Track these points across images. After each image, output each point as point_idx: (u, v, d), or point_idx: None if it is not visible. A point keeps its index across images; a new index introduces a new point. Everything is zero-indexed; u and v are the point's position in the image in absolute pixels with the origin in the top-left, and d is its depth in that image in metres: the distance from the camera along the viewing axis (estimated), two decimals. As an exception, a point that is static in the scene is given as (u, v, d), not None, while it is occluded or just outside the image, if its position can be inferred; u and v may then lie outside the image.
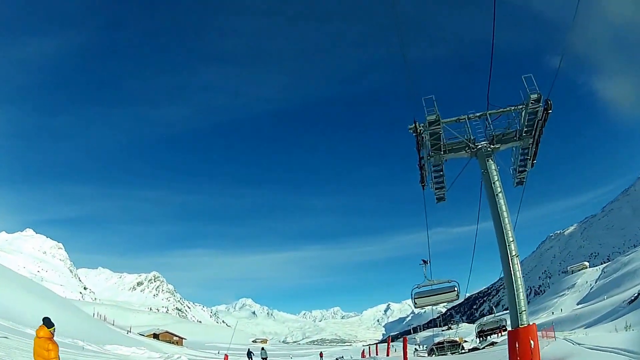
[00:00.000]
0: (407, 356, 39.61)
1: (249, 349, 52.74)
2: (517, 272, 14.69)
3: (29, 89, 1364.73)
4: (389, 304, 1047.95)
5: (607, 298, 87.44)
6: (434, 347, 56.98)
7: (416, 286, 30.74)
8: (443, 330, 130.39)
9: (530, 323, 14.22)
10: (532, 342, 13.74)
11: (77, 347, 30.37)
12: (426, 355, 55.69)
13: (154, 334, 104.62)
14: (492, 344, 52.09)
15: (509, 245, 14.75)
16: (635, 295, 52.17)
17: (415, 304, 29.10)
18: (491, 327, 50.95)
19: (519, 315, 14.39)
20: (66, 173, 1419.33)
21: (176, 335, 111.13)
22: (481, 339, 54.54)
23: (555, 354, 14.45)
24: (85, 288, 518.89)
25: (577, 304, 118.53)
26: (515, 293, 14.53)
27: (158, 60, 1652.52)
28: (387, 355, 40.48)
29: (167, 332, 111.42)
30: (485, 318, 48.99)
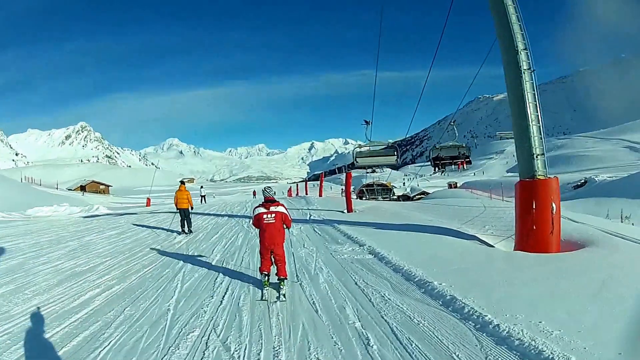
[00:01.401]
0: (323, 193, 41.17)
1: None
2: (530, 96, 10.47)
3: None
4: (313, 143, 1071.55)
5: None
6: (363, 188, 54.62)
7: (358, 145, 35.81)
8: (368, 173, 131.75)
9: (551, 177, 10.47)
10: (553, 205, 9.98)
11: None
12: (355, 197, 48.82)
13: (81, 186, 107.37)
14: (424, 193, 47.75)
15: (518, 54, 10.56)
16: (583, 181, 52.11)
17: (356, 161, 32.78)
18: (451, 154, 35.74)
19: (534, 160, 10.49)
20: None
21: (102, 184, 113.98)
22: (436, 169, 38.40)
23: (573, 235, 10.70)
24: (17, 154, 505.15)
25: (507, 172, 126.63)
26: (530, 127, 10.40)
27: None
28: (320, 195, 36.14)
29: (93, 181, 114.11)
30: (441, 142, 35.57)
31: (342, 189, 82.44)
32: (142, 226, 20.68)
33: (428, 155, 33.56)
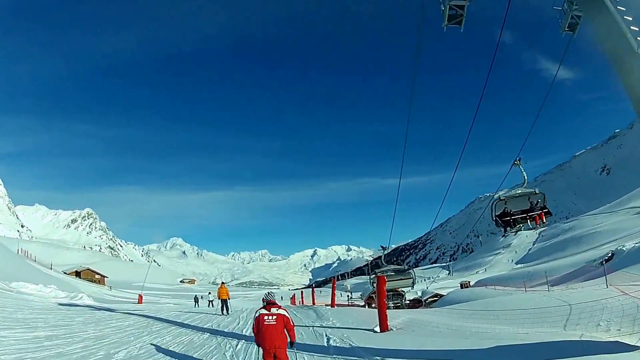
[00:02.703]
0: (335, 300, 35.64)
1: (195, 295, 54.34)
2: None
3: None
4: (316, 250, 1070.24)
5: (551, 261, 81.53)
6: (372, 295, 44.70)
7: (376, 271, 33.03)
8: (371, 278, 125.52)
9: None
10: None
11: None
12: (364, 304, 44.76)
13: (76, 271, 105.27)
14: (437, 296, 40.83)
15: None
16: (610, 254, 47.16)
17: (373, 287, 29.91)
18: (521, 207, 27.05)
19: None
20: (1, 106, 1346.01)
21: (98, 274, 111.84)
22: (507, 229, 30.18)
23: None
24: (22, 226, 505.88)
25: (516, 264, 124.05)
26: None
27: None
28: (332, 306, 30.80)
29: (89, 269, 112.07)
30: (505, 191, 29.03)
31: (348, 296, 78.93)
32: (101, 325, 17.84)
33: (491, 214, 27.46)
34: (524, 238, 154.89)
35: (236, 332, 16.78)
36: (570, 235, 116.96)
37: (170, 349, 12.64)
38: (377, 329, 15.79)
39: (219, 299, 27.55)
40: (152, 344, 13.24)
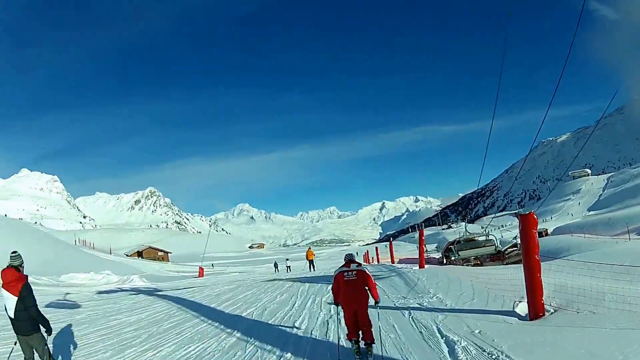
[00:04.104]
0: (395, 259, 34.66)
1: (275, 261, 54.81)
2: None
3: None
4: (384, 202, 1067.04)
5: (625, 208, 78.34)
6: (450, 246, 34.90)
7: (459, 238, 32.78)
8: (443, 229, 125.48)
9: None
10: None
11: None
12: (442, 260, 35.35)
13: (138, 251, 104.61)
14: (516, 245, 29.94)
15: None
16: None
17: (458, 254, 30.32)
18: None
19: None
20: (49, 105, 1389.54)
21: (161, 250, 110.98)
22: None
23: None
24: (84, 217, 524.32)
25: (588, 210, 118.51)
26: None
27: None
28: (422, 266, 24.35)
29: (150, 247, 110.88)
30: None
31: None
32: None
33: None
34: (593, 184, 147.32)
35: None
36: (638, 181, 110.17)
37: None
38: (522, 311, 8.82)
39: (307, 259, 39.94)
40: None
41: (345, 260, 8.02)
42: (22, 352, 6.36)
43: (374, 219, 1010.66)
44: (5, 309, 6.26)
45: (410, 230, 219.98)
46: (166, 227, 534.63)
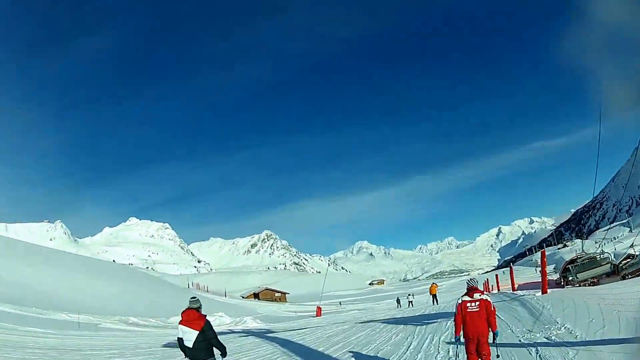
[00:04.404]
0: (515, 286, 33.46)
1: (397, 297, 55.52)
2: None
3: (98, 83, 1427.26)
4: (500, 227, 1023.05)
5: None
6: (568, 266, 34.61)
7: (576, 255, 32.28)
8: (559, 249, 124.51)
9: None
10: None
11: (130, 324, 29.56)
12: (559, 279, 35.60)
13: (254, 293, 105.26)
14: (630, 257, 30.40)
15: None
16: None
17: (576, 277, 29.94)
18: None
19: None
20: (155, 156, 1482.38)
21: (278, 291, 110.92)
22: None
23: None
24: (199, 261, 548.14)
25: None
26: None
27: (225, 22, 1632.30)
28: (544, 291, 22.74)
29: (267, 289, 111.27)
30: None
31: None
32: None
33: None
34: None
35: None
36: None
37: None
38: None
39: (430, 293, 42.73)
40: None
41: (467, 287, 8.07)
42: None
43: (491, 246, 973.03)
44: (181, 340, 7.81)
45: (527, 253, 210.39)
46: (284, 268, 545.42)
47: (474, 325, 7.65)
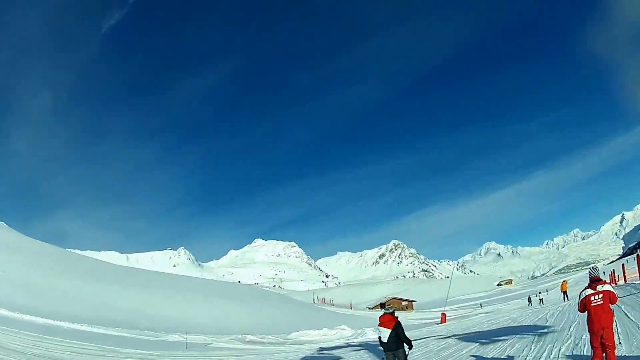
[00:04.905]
0: None
1: (529, 296, 56.36)
2: None
3: (220, 110, 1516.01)
4: (623, 214, 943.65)
5: None
6: None
7: None
8: None
9: None
10: None
11: (247, 342, 29.50)
12: None
13: (380, 303, 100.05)
14: None
15: None
16: None
17: None
18: None
19: None
20: (280, 177, 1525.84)
21: (405, 300, 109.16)
22: None
23: None
24: (327, 276, 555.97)
25: None
26: None
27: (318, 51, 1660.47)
28: None
29: (393, 298, 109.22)
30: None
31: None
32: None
33: None
34: None
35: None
36: None
37: None
38: None
39: (561, 290, 43.05)
40: None
41: (590, 278, 7.94)
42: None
43: (616, 234, 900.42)
44: (380, 337, 9.80)
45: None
46: (413, 276, 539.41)
47: (598, 319, 7.46)
